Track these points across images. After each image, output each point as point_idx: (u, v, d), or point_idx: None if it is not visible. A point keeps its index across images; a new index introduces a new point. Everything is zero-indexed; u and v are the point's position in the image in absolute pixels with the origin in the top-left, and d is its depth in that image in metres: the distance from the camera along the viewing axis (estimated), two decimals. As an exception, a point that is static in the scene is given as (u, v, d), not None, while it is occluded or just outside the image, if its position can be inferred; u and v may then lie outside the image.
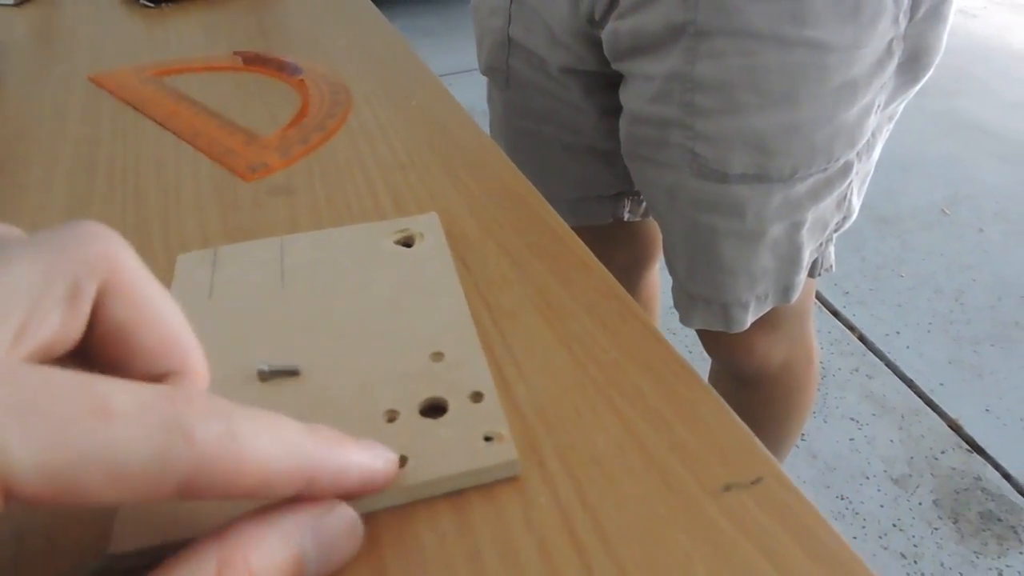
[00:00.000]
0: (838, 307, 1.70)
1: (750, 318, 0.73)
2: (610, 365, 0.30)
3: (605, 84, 0.72)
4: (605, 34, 0.65)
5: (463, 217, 0.39)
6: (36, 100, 0.52)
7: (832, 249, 0.75)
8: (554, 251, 0.36)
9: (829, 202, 0.68)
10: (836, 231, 0.73)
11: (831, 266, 0.76)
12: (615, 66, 0.67)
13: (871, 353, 1.58)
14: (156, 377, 0.20)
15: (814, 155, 0.62)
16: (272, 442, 0.18)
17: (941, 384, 1.50)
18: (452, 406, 0.27)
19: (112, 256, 0.19)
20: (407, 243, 0.36)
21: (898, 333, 1.62)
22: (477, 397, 0.28)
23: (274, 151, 0.44)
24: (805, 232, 0.68)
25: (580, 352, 0.30)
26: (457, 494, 0.25)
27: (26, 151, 0.46)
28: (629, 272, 1.03)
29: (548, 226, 0.38)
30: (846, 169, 0.66)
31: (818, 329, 1.64)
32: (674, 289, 0.76)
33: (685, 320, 0.76)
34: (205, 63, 0.56)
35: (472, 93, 2.63)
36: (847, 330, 1.64)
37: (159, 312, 0.20)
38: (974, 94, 2.51)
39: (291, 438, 0.19)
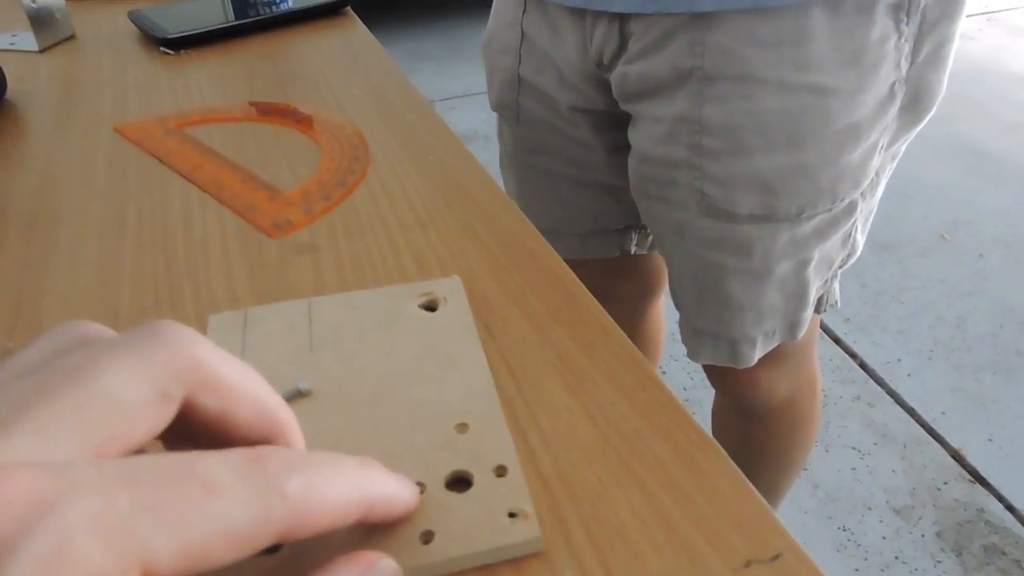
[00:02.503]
0: (839, 334, 1.71)
1: (757, 354, 0.74)
2: (632, 435, 0.31)
3: (614, 123, 0.73)
4: (614, 77, 0.67)
5: (484, 279, 0.40)
6: (63, 152, 0.53)
7: (837, 285, 0.77)
8: (573, 315, 0.37)
9: (835, 240, 0.69)
10: (841, 267, 0.75)
11: (836, 302, 0.78)
12: (624, 107, 0.69)
13: (872, 381, 1.59)
14: (255, 444, 0.22)
15: (819, 196, 0.64)
16: (341, 484, 0.21)
17: (943, 413, 1.50)
18: (477, 480, 0.28)
19: (196, 359, 0.20)
20: (431, 307, 0.37)
21: (899, 360, 1.63)
22: (501, 471, 0.28)
23: (297, 208, 0.46)
24: (811, 270, 0.70)
25: (602, 421, 0.31)
26: (488, 568, 0.26)
27: (56, 205, 0.47)
28: (635, 303, 1.04)
29: (567, 288, 0.39)
30: (851, 208, 0.67)
31: (819, 356, 1.65)
32: (681, 324, 0.77)
33: (693, 355, 0.77)
34: (225, 113, 0.58)
35: (474, 117, 2.66)
36: (848, 357, 1.65)
37: (247, 393, 0.22)
38: (972, 117, 2.53)
39: (354, 475, 0.21)
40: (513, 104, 0.80)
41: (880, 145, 0.65)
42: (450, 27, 3.28)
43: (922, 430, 1.47)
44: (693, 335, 0.76)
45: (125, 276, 0.41)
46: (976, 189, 2.16)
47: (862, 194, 0.68)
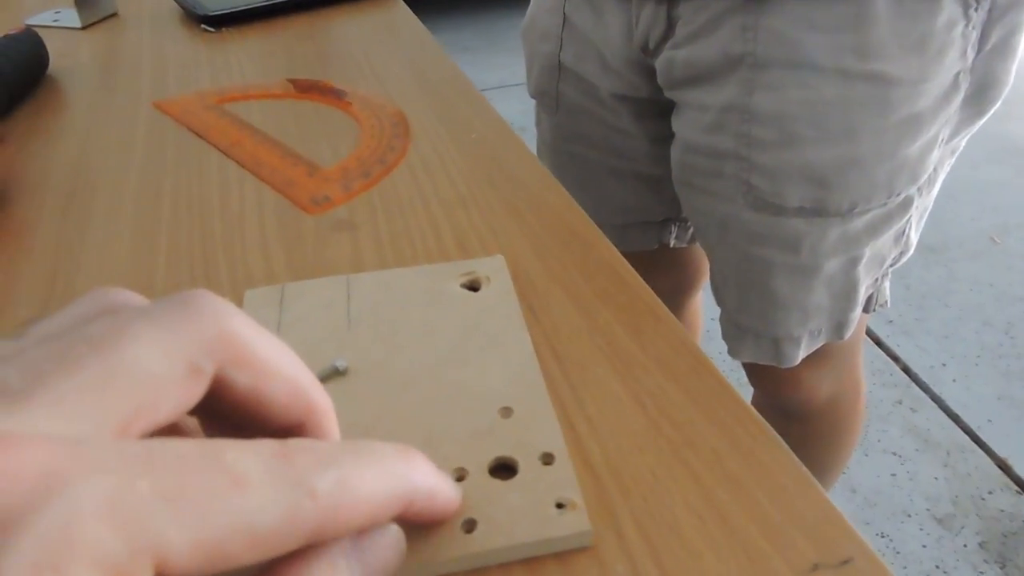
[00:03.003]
0: (882, 336, 1.66)
1: (801, 353, 0.71)
2: (685, 424, 0.29)
3: (656, 111, 0.71)
4: (659, 63, 0.65)
5: (527, 259, 0.38)
6: (102, 126, 0.53)
7: (887, 284, 0.74)
8: (622, 299, 0.35)
9: (887, 237, 0.66)
10: (893, 266, 0.72)
11: (886, 301, 0.75)
12: (668, 94, 0.66)
13: (915, 385, 1.54)
14: (288, 427, 0.21)
15: (874, 190, 0.61)
16: (378, 478, 0.19)
17: (989, 420, 1.45)
18: (522, 468, 0.27)
19: (229, 332, 0.19)
20: (473, 287, 0.35)
21: (944, 365, 1.58)
22: (548, 459, 0.27)
23: (336, 184, 0.44)
24: (862, 268, 0.67)
25: (653, 409, 0.30)
26: (534, 561, 0.25)
27: (94, 179, 0.46)
28: (672, 298, 1.02)
29: (615, 272, 0.37)
30: (906, 204, 0.64)
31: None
32: (722, 320, 0.75)
33: (733, 353, 0.74)
34: (265, 90, 0.57)
35: (512, 108, 2.64)
36: (891, 360, 1.60)
37: (281, 371, 0.20)
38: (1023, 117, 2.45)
39: (393, 467, 0.19)
40: (553, 91, 0.78)
41: (941, 138, 0.62)
42: (488, 18, 3.26)
43: (967, 437, 1.42)
44: (735, 332, 0.73)
45: (161, 250, 0.40)
46: (1028, 191, 2.09)
47: (919, 189, 0.64)
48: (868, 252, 0.66)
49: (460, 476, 0.26)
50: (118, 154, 0.49)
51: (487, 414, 0.29)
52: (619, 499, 0.26)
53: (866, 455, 1.40)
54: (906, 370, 1.57)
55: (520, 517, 0.25)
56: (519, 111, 2.52)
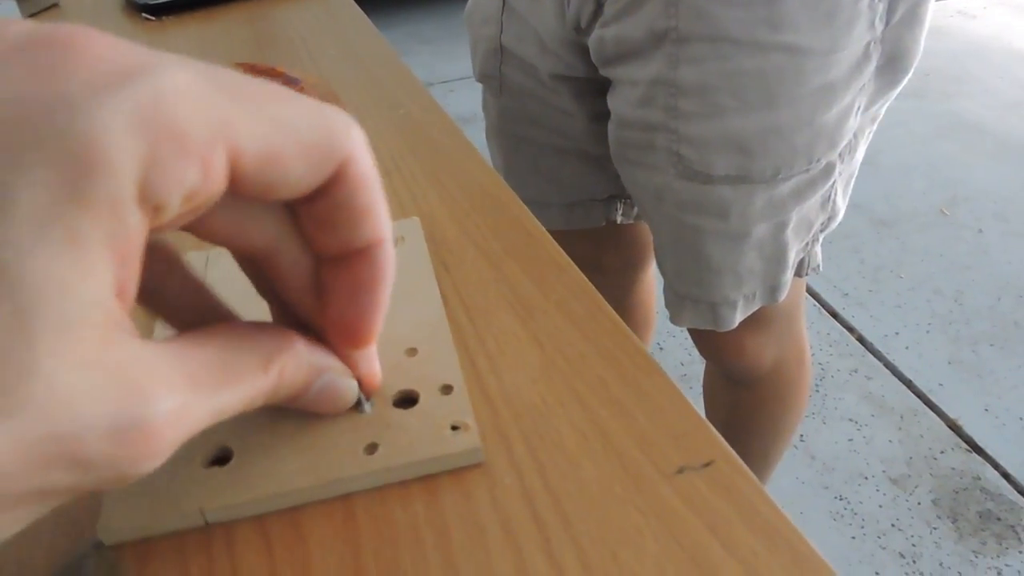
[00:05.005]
0: (837, 308, 1.71)
1: (738, 316, 0.74)
2: (577, 359, 0.32)
3: (594, 90, 0.73)
4: (591, 41, 0.67)
5: (444, 221, 0.41)
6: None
7: (819, 249, 0.77)
8: (529, 252, 0.38)
9: (813, 202, 0.69)
10: (822, 231, 0.75)
11: (818, 266, 0.78)
12: (602, 72, 0.69)
13: (870, 354, 1.59)
14: None
15: (795, 156, 0.64)
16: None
17: (940, 384, 1.50)
18: (423, 398, 0.29)
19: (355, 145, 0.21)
20: (389, 245, 0.38)
21: (897, 334, 1.63)
22: (447, 390, 0.29)
23: (267, 159, 0.46)
24: (790, 232, 0.70)
25: (549, 347, 0.32)
26: (430, 478, 0.27)
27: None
28: (624, 274, 1.04)
29: (524, 228, 0.40)
30: (828, 170, 0.67)
31: (817, 330, 1.65)
32: (664, 289, 0.78)
33: (675, 319, 0.77)
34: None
35: (473, 100, 2.66)
36: (846, 331, 1.65)
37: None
38: (973, 95, 2.52)
39: None
40: (496, 74, 0.80)
41: (857, 107, 0.65)
42: (448, 9, 3.27)
43: (919, 401, 1.47)
44: (675, 299, 0.76)
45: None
46: (977, 166, 2.15)
47: (840, 156, 0.68)
48: (795, 217, 0.69)
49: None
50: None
51: (393, 354, 0.31)
52: (511, 423, 0.29)
53: (824, 423, 1.44)
54: (861, 340, 1.61)
55: (417, 439, 0.27)
56: (480, 101, 2.54)
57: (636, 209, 0.90)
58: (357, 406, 0.28)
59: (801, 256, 0.75)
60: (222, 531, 0.26)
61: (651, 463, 0.27)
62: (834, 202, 0.73)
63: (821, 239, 0.76)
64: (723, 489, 0.26)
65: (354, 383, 0.26)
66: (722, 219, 0.67)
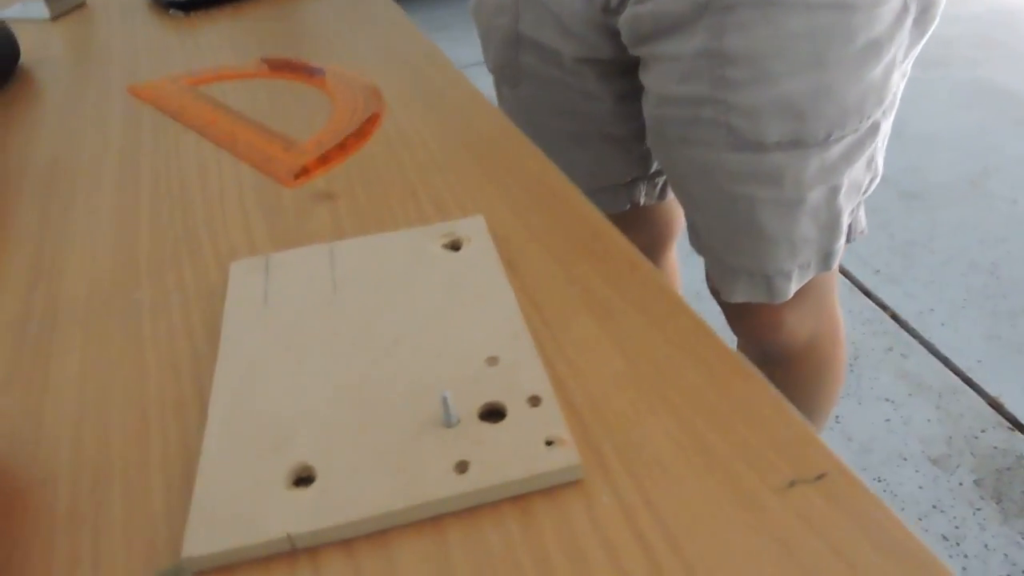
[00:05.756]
0: (869, 286, 1.68)
1: (793, 287, 0.73)
2: (664, 363, 0.30)
3: (620, 70, 0.72)
4: (624, 20, 0.65)
5: (505, 218, 0.39)
6: (78, 114, 0.53)
7: (863, 213, 0.76)
8: (599, 250, 0.36)
9: (860, 164, 0.69)
10: (865, 193, 0.74)
11: (864, 229, 0.77)
12: (634, 51, 0.67)
13: (904, 332, 1.56)
14: None
15: (846, 116, 0.63)
16: None
17: (979, 361, 1.47)
18: (511, 410, 0.28)
19: None
20: (455, 247, 0.36)
21: (932, 310, 1.60)
22: (535, 401, 0.28)
23: (312, 157, 0.45)
24: (843, 196, 0.69)
25: (632, 351, 0.31)
26: (522, 497, 0.26)
27: (73, 166, 0.47)
28: (647, 255, 1.02)
29: (590, 224, 0.38)
30: (874, 129, 0.67)
31: (849, 309, 1.63)
32: (711, 267, 0.76)
33: (727, 294, 0.75)
34: (237, 71, 0.57)
35: (488, 85, 2.63)
36: (879, 309, 1.62)
37: None
38: (1000, 61, 2.45)
39: None
40: (513, 63, 0.78)
41: (897, 60, 0.64)
42: (462, -7, 3.23)
43: (958, 379, 1.44)
44: (727, 274, 0.74)
45: (143, 228, 0.40)
46: (1007, 134, 2.10)
47: (883, 113, 0.67)
48: (846, 180, 0.68)
49: (452, 423, 0.27)
50: (95, 139, 0.49)
51: (474, 364, 0.30)
52: (602, 435, 0.27)
53: (860, 403, 1.42)
54: (895, 317, 1.58)
55: (511, 456, 0.26)
56: (498, 85, 2.51)
57: (659, 189, 0.89)
58: (445, 418, 0.27)
59: (850, 221, 0.74)
60: (308, 556, 0.25)
61: (759, 477, 0.25)
62: (876, 162, 0.72)
63: (863, 202, 0.75)
64: (841, 504, 0.24)
65: None
66: (776, 187, 0.66)
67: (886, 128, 0.69)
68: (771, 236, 0.68)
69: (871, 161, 0.70)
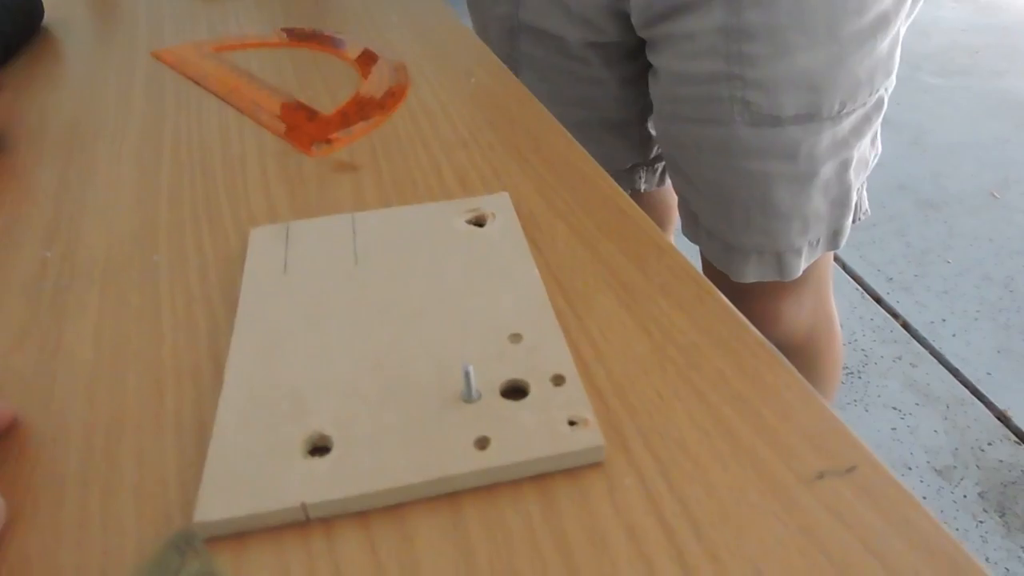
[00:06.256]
0: (881, 293, 1.67)
1: (803, 264, 0.73)
2: (690, 348, 0.29)
3: (624, 54, 0.72)
4: (635, 2, 0.65)
5: (530, 196, 0.38)
6: (100, 77, 0.52)
7: (866, 193, 0.76)
8: (625, 231, 0.35)
9: (867, 139, 0.70)
10: (868, 170, 0.74)
11: (867, 210, 0.78)
12: (644, 33, 0.67)
13: (915, 341, 1.54)
14: None
15: (858, 88, 0.64)
16: None
17: (988, 374, 1.46)
18: (533, 389, 0.27)
19: None
20: (479, 223, 0.35)
21: (944, 321, 1.59)
22: (559, 380, 0.27)
23: (336, 127, 0.44)
24: (852, 171, 0.70)
25: (658, 334, 0.30)
26: (542, 477, 0.25)
27: (95, 127, 0.46)
28: None
29: (617, 206, 0.37)
30: (879, 103, 0.68)
31: (860, 316, 1.61)
32: (716, 252, 0.76)
33: (739, 276, 0.75)
34: (262, 39, 0.56)
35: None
36: (890, 317, 1.61)
37: None
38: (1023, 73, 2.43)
39: None
40: (513, 53, 0.78)
41: (899, 35, 0.65)
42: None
43: (966, 390, 1.43)
44: (737, 255, 0.74)
45: (162, 193, 0.40)
46: (1029, 146, 2.08)
47: (886, 88, 0.68)
48: (856, 154, 0.69)
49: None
50: (117, 100, 0.49)
51: (497, 340, 0.29)
52: (626, 418, 0.27)
53: (866, 410, 1.41)
54: (906, 326, 1.57)
55: (533, 434, 0.25)
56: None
57: (659, 175, 0.89)
58: (466, 392, 0.26)
59: (856, 199, 0.74)
60: (322, 527, 0.24)
61: (787, 467, 0.25)
62: (878, 139, 0.73)
63: (866, 184, 0.75)
64: (871, 497, 0.24)
65: None
66: (791, 161, 0.66)
67: (886, 105, 0.71)
68: (784, 212, 0.69)
69: (875, 138, 0.71)
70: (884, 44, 0.63)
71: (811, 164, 0.66)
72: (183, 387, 0.29)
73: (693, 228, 0.76)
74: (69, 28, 0.60)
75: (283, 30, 0.58)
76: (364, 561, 0.23)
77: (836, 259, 1.79)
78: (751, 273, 0.74)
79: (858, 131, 0.67)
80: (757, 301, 0.76)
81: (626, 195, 0.38)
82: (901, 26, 0.65)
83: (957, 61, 2.63)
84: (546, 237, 0.35)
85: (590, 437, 0.25)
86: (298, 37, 0.56)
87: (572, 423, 0.25)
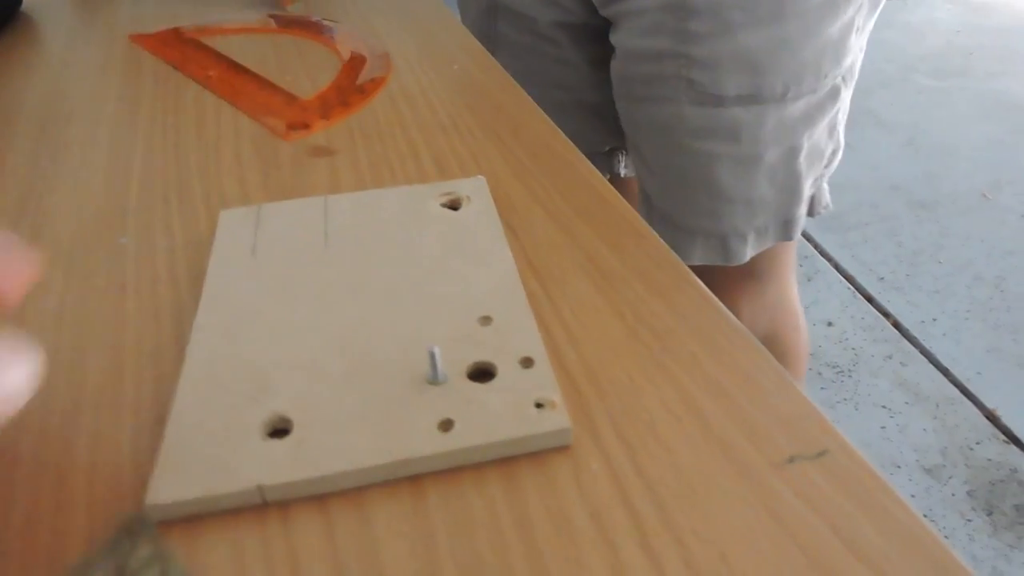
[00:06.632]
0: (872, 292, 1.67)
1: (749, 251, 0.73)
2: (664, 332, 0.29)
3: (592, 35, 0.73)
4: None
5: (507, 181, 0.38)
6: (78, 59, 0.52)
7: (827, 187, 0.76)
8: (603, 216, 0.35)
9: (822, 129, 0.69)
10: (827, 166, 0.74)
11: (828, 204, 0.77)
12: (604, 12, 0.68)
13: (905, 340, 1.54)
14: None
15: (803, 71, 0.64)
16: None
17: (978, 373, 1.46)
18: (501, 371, 0.26)
19: None
20: (453, 206, 0.35)
21: (934, 320, 1.59)
22: (527, 363, 0.27)
23: (314, 112, 0.43)
24: (803, 160, 0.69)
25: (632, 318, 0.29)
26: (507, 460, 0.24)
27: (69, 109, 0.45)
28: None
29: (596, 190, 0.37)
30: (834, 93, 0.67)
31: (851, 315, 1.61)
32: (668, 233, 0.76)
33: (685, 257, 0.75)
34: (244, 25, 0.55)
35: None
36: (881, 316, 1.61)
37: None
38: (1018, 74, 2.43)
39: None
40: (491, 33, 0.78)
41: (856, 25, 0.65)
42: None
43: (956, 390, 1.43)
44: (684, 236, 0.74)
45: (134, 175, 0.39)
46: (1021, 147, 2.08)
47: (843, 79, 0.67)
48: (806, 144, 0.68)
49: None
50: (94, 84, 0.48)
51: (466, 323, 0.28)
52: (595, 401, 0.26)
53: (856, 409, 1.41)
54: (896, 325, 1.57)
55: (498, 416, 0.25)
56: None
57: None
58: (431, 374, 0.26)
59: (812, 192, 0.73)
60: (279, 510, 0.24)
61: (757, 451, 0.24)
62: (838, 133, 0.72)
63: (827, 176, 0.74)
64: (842, 482, 0.23)
65: None
66: (734, 142, 0.66)
67: (846, 97, 0.70)
68: (728, 194, 0.69)
69: (833, 129, 0.71)
70: (834, 29, 0.62)
71: (754, 147, 0.66)
72: (144, 370, 0.28)
73: (648, 212, 0.77)
74: (48, 12, 0.59)
75: (271, 16, 0.57)
76: (321, 545, 0.23)
77: (827, 258, 1.79)
78: (696, 256, 0.74)
79: (809, 119, 0.67)
80: (717, 293, 0.76)
81: (605, 180, 0.38)
82: (858, 16, 0.64)
83: (951, 62, 2.64)
84: (522, 221, 0.35)
85: (557, 420, 0.24)
86: (283, 23, 0.55)
87: (539, 405, 0.25)
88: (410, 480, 0.24)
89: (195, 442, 0.25)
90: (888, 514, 0.22)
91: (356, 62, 0.49)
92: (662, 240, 0.34)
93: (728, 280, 0.79)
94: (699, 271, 0.76)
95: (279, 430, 0.25)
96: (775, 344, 0.89)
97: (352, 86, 0.46)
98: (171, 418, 0.25)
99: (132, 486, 0.24)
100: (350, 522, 0.23)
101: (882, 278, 1.69)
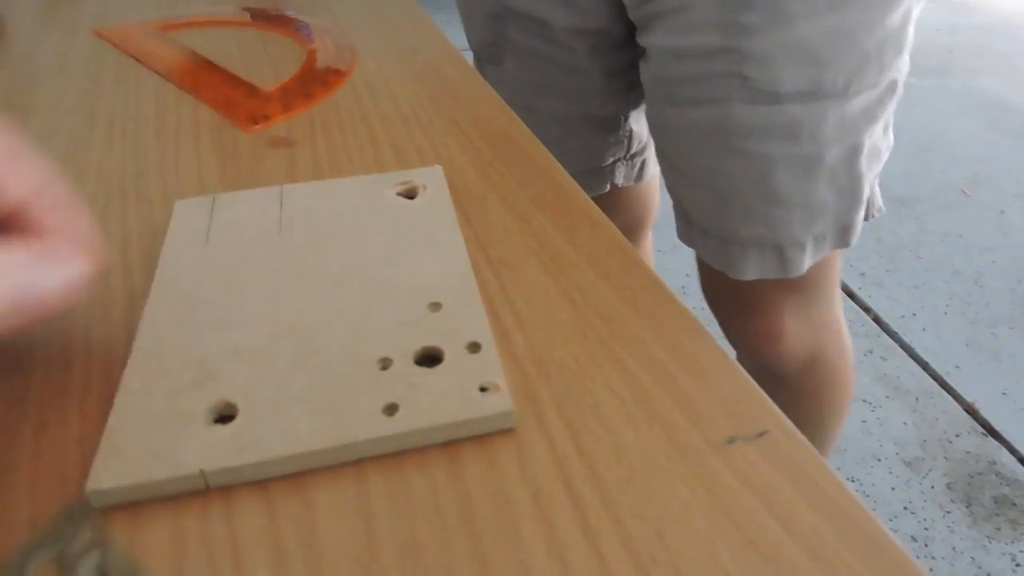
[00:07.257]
0: (853, 288, 1.68)
1: (807, 261, 0.68)
2: (613, 317, 0.29)
3: (610, 44, 0.69)
4: None
5: (466, 170, 0.38)
6: (40, 51, 0.51)
7: (879, 188, 0.71)
8: (559, 205, 0.35)
9: (880, 126, 0.65)
10: (882, 163, 0.70)
11: (881, 207, 0.72)
12: (638, 12, 0.64)
13: (885, 335, 1.56)
14: None
15: (866, 63, 0.60)
16: None
17: (957, 367, 1.48)
18: (448, 356, 0.26)
19: None
20: (409, 195, 0.35)
21: (914, 315, 1.60)
22: (474, 348, 0.27)
23: (275, 103, 0.43)
24: (863, 160, 0.64)
25: (582, 304, 0.29)
26: (450, 444, 0.24)
27: (29, 100, 0.45)
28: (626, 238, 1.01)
29: (552, 179, 0.37)
30: (892, 88, 0.63)
31: (833, 310, 1.62)
32: (713, 250, 0.71)
33: (738, 271, 0.70)
34: (209, 18, 0.55)
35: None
36: (862, 311, 1.62)
37: None
38: (997, 72, 2.46)
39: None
40: (498, 40, 0.75)
41: (912, 12, 0.61)
42: (463, -23, 3.20)
43: (935, 383, 1.44)
44: (735, 250, 0.69)
45: (90, 165, 0.39)
46: (1000, 144, 2.10)
47: (899, 71, 0.63)
48: (867, 141, 0.64)
49: (385, 365, 0.26)
50: (54, 78, 0.48)
51: (415, 308, 0.28)
52: (541, 385, 0.26)
53: (837, 403, 1.41)
54: (877, 320, 1.58)
55: (443, 400, 0.25)
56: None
57: (637, 169, 0.86)
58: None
59: (868, 193, 0.69)
60: (221, 496, 0.24)
61: (698, 432, 0.24)
62: (890, 131, 0.68)
63: (879, 179, 0.71)
64: (779, 462, 0.23)
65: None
66: (793, 142, 0.61)
67: (900, 91, 0.66)
68: (786, 199, 0.64)
69: (888, 127, 0.67)
70: (895, 17, 0.58)
71: (815, 146, 0.62)
72: (92, 359, 0.28)
73: (687, 228, 0.72)
74: (12, 5, 0.59)
75: (245, 9, 0.57)
76: (262, 528, 0.23)
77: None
78: (751, 269, 0.69)
79: (870, 115, 0.62)
80: (758, 315, 0.71)
81: (563, 169, 0.38)
82: (915, 5, 0.60)
83: (931, 60, 2.66)
84: (477, 209, 0.35)
85: (500, 403, 0.24)
86: (262, 19, 0.55)
87: (483, 389, 0.25)
88: (354, 464, 0.24)
89: (139, 429, 0.24)
90: (823, 492, 0.22)
91: (320, 54, 0.49)
92: (616, 228, 0.34)
93: (769, 294, 0.74)
94: (734, 285, 0.71)
95: (224, 416, 0.25)
96: (819, 367, 0.83)
97: (315, 78, 0.46)
98: (115, 405, 0.25)
99: (76, 475, 0.24)
100: (292, 506, 0.23)
101: (863, 273, 1.70)
